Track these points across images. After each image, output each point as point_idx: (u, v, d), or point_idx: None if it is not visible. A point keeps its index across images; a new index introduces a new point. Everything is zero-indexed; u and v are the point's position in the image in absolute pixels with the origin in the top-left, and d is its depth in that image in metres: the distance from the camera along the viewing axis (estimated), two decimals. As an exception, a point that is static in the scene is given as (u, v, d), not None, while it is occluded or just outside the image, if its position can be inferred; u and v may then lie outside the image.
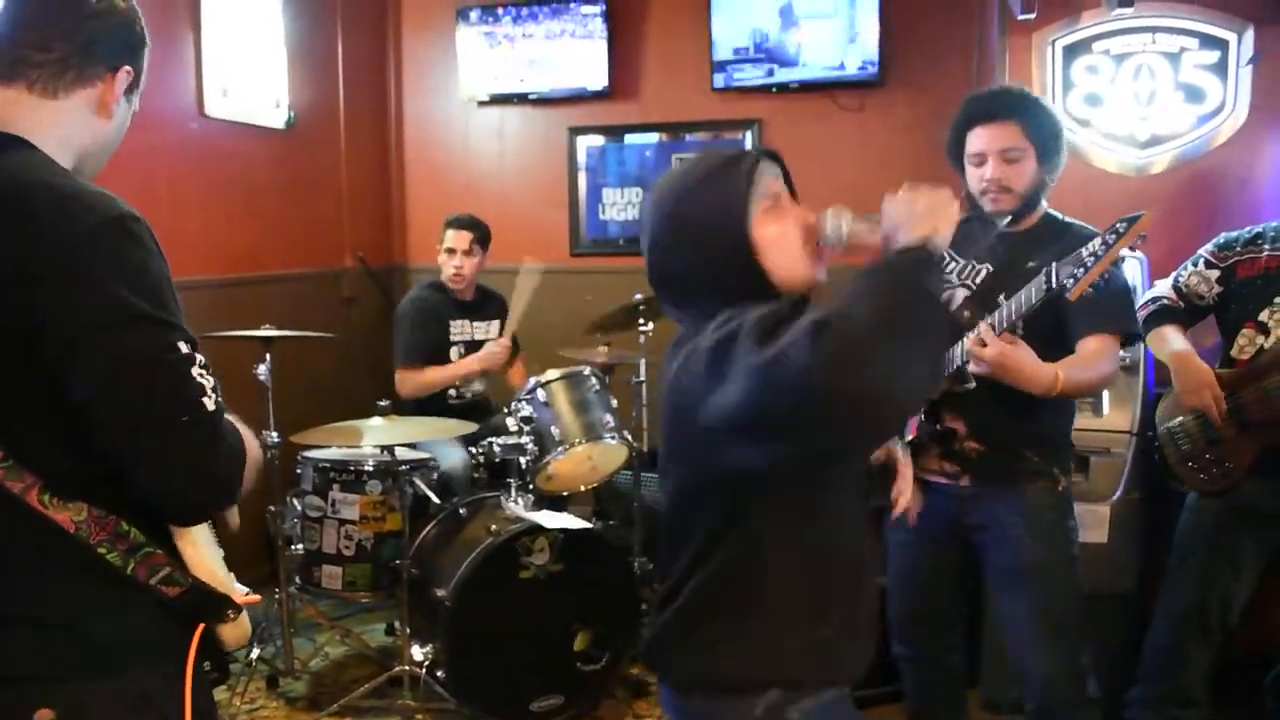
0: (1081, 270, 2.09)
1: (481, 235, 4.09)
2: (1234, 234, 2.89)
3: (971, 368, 2.29)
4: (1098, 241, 2.10)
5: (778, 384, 1.29)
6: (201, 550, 1.40)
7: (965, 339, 2.32)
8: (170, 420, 1.27)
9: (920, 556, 2.61)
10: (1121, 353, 3.14)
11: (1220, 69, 3.59)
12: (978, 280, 2.49)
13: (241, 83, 4.21)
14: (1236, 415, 2.72)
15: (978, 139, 2.45)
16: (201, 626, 1.38)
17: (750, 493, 1.54)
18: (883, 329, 1.29)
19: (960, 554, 2.60)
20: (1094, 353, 2.37)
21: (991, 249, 2.49)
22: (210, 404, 1.29)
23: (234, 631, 1.42)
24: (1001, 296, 2.36)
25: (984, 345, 2.24)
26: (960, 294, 2.50)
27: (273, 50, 4.41)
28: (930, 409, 2.47)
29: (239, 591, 1.44)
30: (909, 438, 2.53)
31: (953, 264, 2.55)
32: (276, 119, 4.44)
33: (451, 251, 4.06)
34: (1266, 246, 2.79)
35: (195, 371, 1.29)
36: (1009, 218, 2.48)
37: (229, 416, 1.36)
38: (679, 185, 1.63)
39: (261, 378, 3.31)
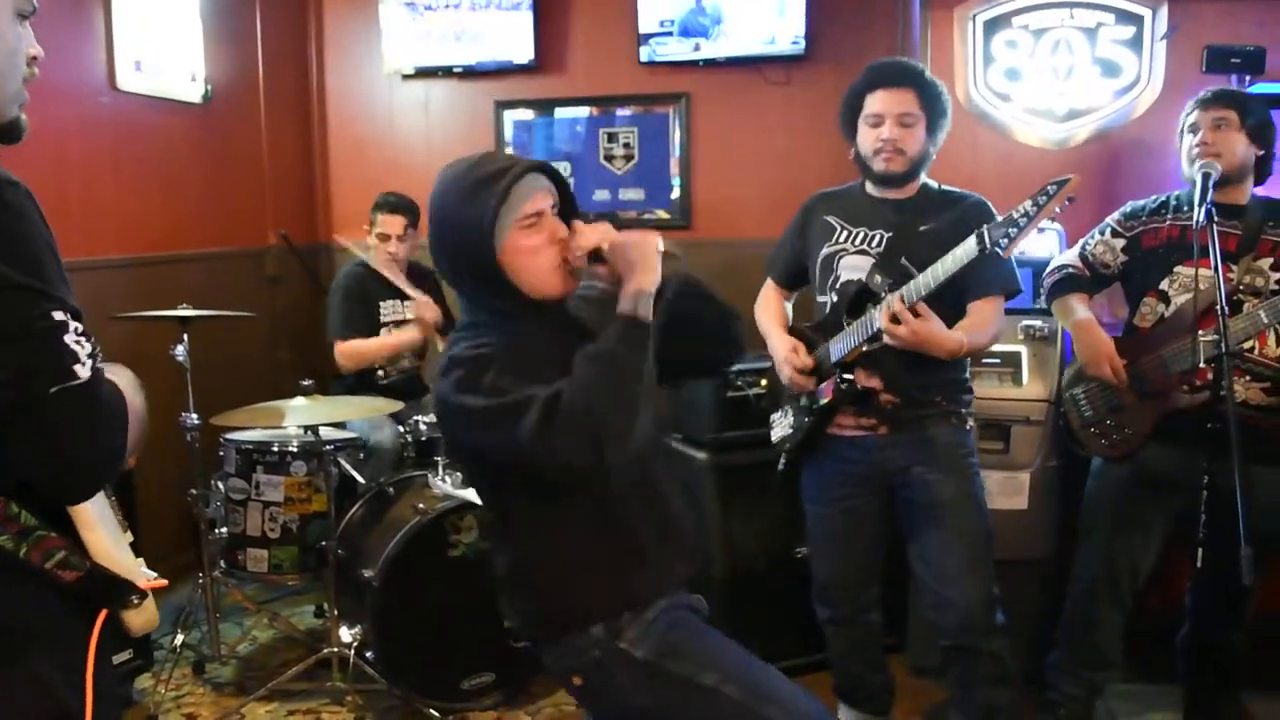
0: (1014, 229, 2.23)
1: (414, 217, 4.00)
2: (1140, 203, 2.94)
3: (888, 341, 2.43)
4: (1029, 203, 2.23)
5: (524, 455, 1.63)
6: (101, 535, 1.36)
7: (878, 309, 2.46)
8: (37, 392, 1.21)
9: (838, 518, 2.75)
10: (1039, 323, 3.24)
11: (1136, 44, 3.65)
12: (874, 246, 2.64)
13: (155, 55, 4.09)
14: (1136, 383, 2.78)
15: (877, 101, 2.60)
16: (104, 613, 1.35)
17: (512, 485, 1.80)
18: (601, 408, 1.61)
19: (877, 510, 2.73)
20: (987, 315, 2.59)
21: (881, 215, 2.66)
22: (84, 371, 1.24)
23: (139, 617, 1.40)
24: (904, 260, 2.53)
25: (896, 322, 2.38)
26: (863, 262, 2.63)
27: (187, 21, 4.29)
28: (844, 369, 2.60)
29: (144, 576, 1.41)
30: (824, 400, 2.61)
31: (845, 232, 2.69)
32: (193, 93, 4.33)
33: (385, 237, 3.98)
34: (1169, 216, 2.84)
35: (69, 339, 1.24)
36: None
37: (111, 377, 1.32)
38: (441, 195, 1.80)
39: (179, 358, 3.24)
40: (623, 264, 1.74)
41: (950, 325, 2.51)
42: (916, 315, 2.40)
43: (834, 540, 2.78)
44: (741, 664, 1.83)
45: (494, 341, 1.74)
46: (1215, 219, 2.61)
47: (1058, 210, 2.25)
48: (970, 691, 2.69)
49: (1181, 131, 2.84)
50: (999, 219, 2.28)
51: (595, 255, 1.79)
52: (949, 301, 2.51)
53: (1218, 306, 2.38)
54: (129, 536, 1.46)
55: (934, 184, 2.70)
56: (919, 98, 2.57)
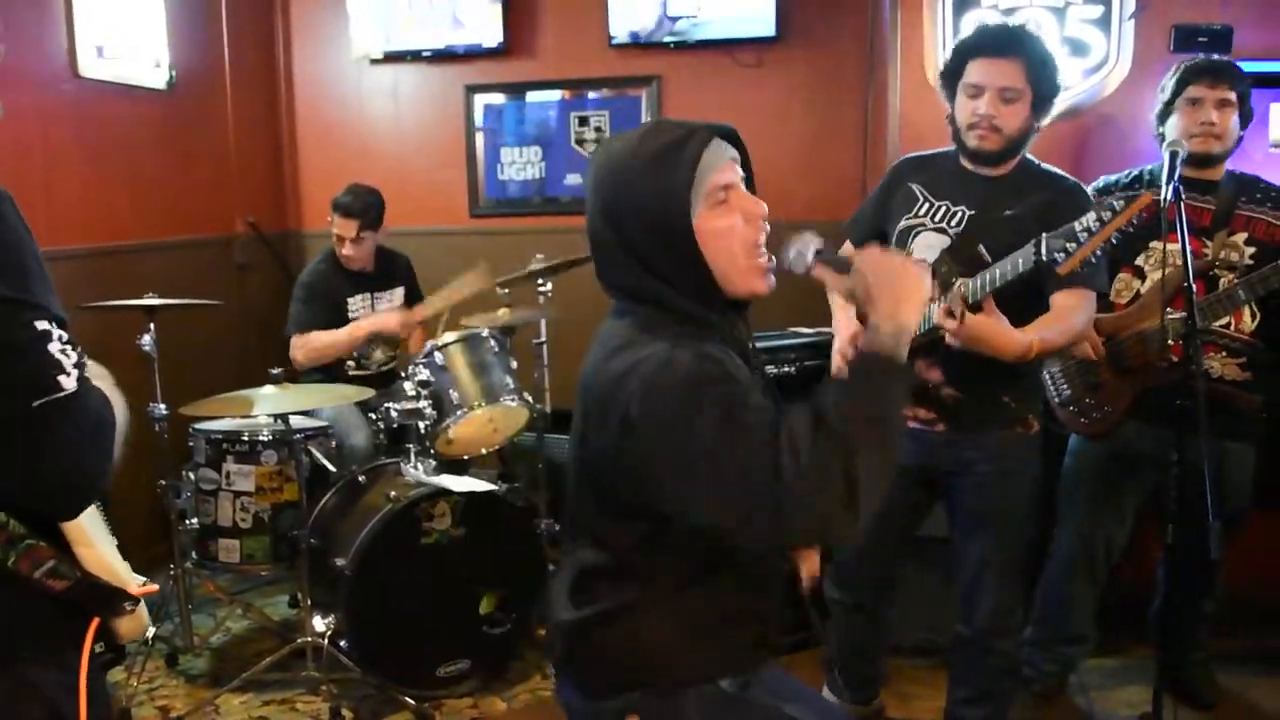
0: (1074, 245, 2.08)
1: (371, 219, 3.91)
2: (1113, 177, 2.95)
3: (947, 339, 2.27)
4: (1092, 217, 2.08)
5: (755, 516, 1.35)
6: (96, 546, 1.35)
7: (938, 303, 2.29)
8: (20, 407, 1.18)
9: (880, 506, 2.60)
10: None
11: (1104, 23, 3.65)
12: (954, 224, 2.45)
13: (118, 41, 4.02)
14: (1114, 360, 2.79)
15: (978, 70, 2.38)
16: (96, 620, 1.34)
17: (668, 536, 1.50)
18: (860, 459, 1.35)
19: (919, 503, 2.63)
20: (1070, 307, 2.35)
21: (968, 191, 2.46)
22: (70, 382, 1.21)
23: (130, 624, 1.39)
24: (980, 247, 2.34)
25: (952, 317, 2.20)
26: (939, 241, 2.45)
27: (150, 6, 4.22)
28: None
29: (135, 583, 1.40)
30: None
31: (927, 205, 2.50)
32: (157, 79, 4.26)
33: (340, 238, 3.92)
34: (1143, 190, 2.84)
35: (53, 349, 1.21)
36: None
37: (99, 383, 1.29)
38: (618, 170, 1.52)
39: (146, 348, 3.20)
40: (881, 291, 1.45)
41: (1032, 317, 2.32)
42: (979, 311, 2.22)
43: (866, 527, 2.64)
44: (820, 701, 1.72)
45: (709, 351, 1.44)
46: (1189, 195, 2.63)
47: (1129, 227, 2.08)
48: (972, 676, 2.65)
49: (1171, 99, 2.79)
50: (1062, 227, 2.11)
51: (835, 264, 1.54)
52: (1031, 292, 2.32)
53: (1185, 284, 2.39)
54: (114, 541, 1.44)
55: (1035, 161, 2.48)
56: (1026, 70, 2.33)
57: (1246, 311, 2.75)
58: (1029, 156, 2.49)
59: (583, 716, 1.68)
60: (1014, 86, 2.35)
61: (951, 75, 2.46)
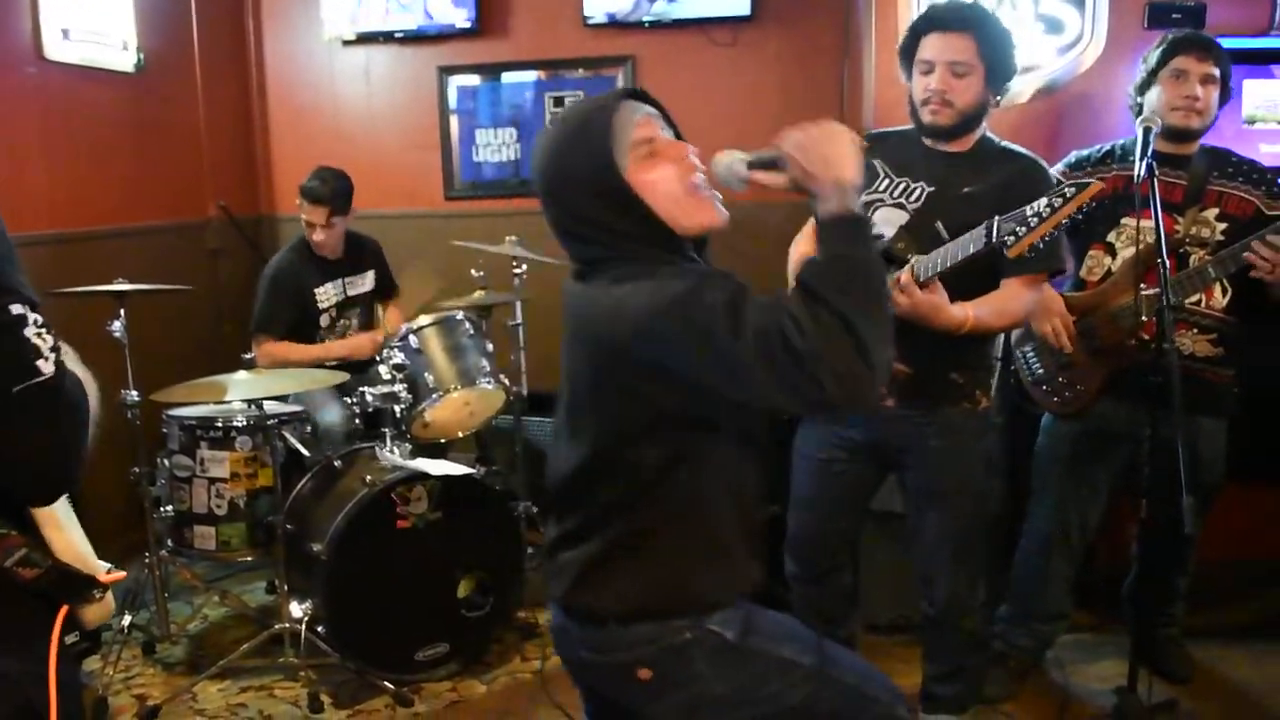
0: (1024, 229, 2.10)
1: (340, 204, 3.86)
2: (1085, 152, 2.94)
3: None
4: (1043, 202, 2.10)
5: (784, 378, 1.38)
6: (66, 533, 1.35)
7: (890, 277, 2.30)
8: (1, 392, 1.17)
9: (825, 478, 2.64)
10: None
11: (1078, 0, 3.65)
12: (913, 201, 2.46)
13: (84, 23, 3.95)
14: (1086, 339, 2.79)
15: (930, 46, 2.41)
16: (65, 609, 1.33)
17: (688, 444, 1.60)
18: (856, 312, 1.38)
19: (868, 477, 2.65)
20: (1012, 295, 2.39)
21: (928, 167, 2.47)
22: (48, 366, 1.20)
23: (96, 611, 1.39)
24: (938, 224, 2.36)
25: (902, 292, 2.24)
26: (897, 216, 2.47)
27: (117, -13, 4.16)
28: None
29: (102, 569, 1.40)
30: None
31: (888, 180, 2.52)
32: (125, 62, 4.20)
33: (310, 225, 3.88)
34: (1115, 165, 2.84)
35: (29, 334, 1.20)
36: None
37: (74, 367, 1.28)
38: (549, 155, 1.63)
39: (117, 334, 3.16)
40: (812, 163, 1.51)
41: (981, 294, 2.36)
42: (924, 289, 2.27)
43: (814, 497, 2.67)
44: (808, 634, 1.77)
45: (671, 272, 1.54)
46: (1161, 170, 2.62)
47: (1078, 215, 2.11)
48: (941, 653, 2.70)
49: (1153, 70, 2.77)
50: (1013, 211, 2.14)
51: (764, 164, 1.60)
52: (983, 270, 2.33)
53: (1158, 261, 2.40)
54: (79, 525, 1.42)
55: (995, 139, 2.50)
56: (977, 44, 2.35)
57: (1218, 288, 2.76)
58: (990, 135, 2.50)
59: (590, 670, 1.74)
60: (964, 60, 2.36)
61: (907, 53, 2.48)
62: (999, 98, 2.46)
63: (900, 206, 2.47)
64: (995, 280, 2.39)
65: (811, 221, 2.67)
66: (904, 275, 2.27)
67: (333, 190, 3.84)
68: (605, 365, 1.59)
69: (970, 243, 2.20)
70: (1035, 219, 2.10)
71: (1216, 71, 2.72)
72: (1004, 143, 2.50)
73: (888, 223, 2.46)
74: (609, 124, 1.58)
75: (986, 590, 2.95)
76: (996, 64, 2.38)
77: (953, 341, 2.34)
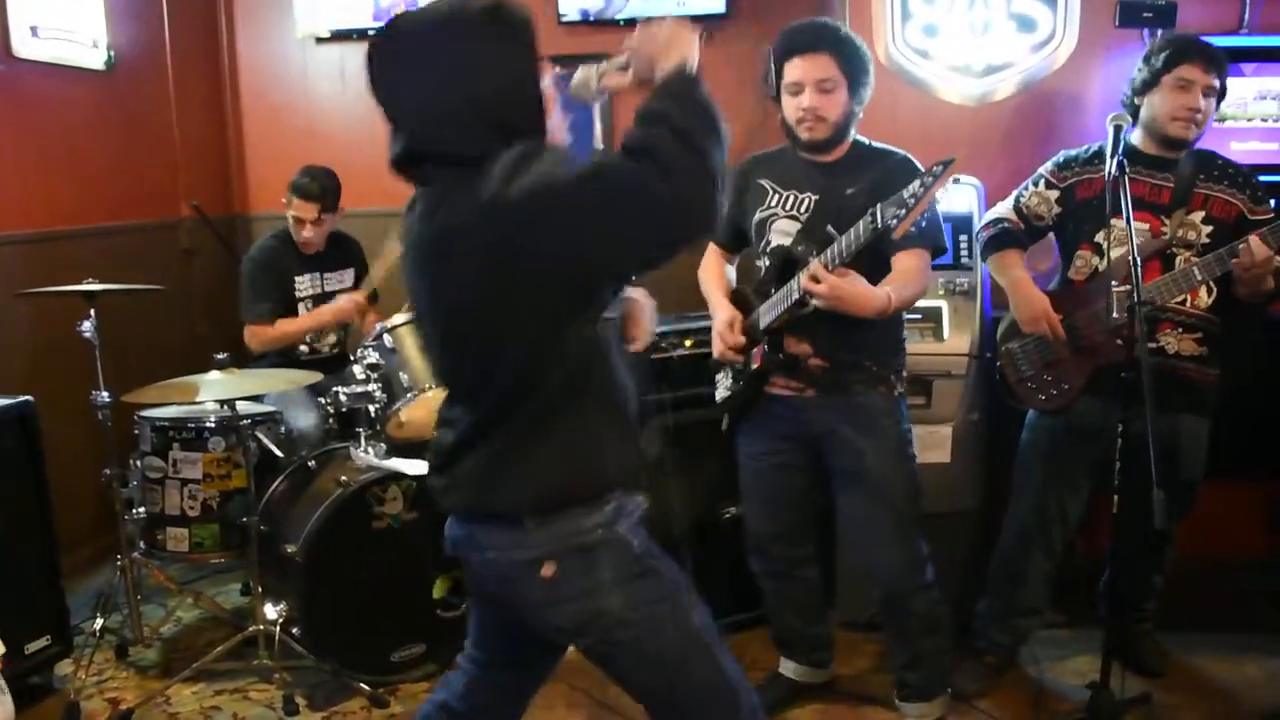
0: (904, 211, 2.26)
1: (330, 201, 3.85)
2: (1074, 152, 2.95)
3: (814, 302, 2.43)
4: (916, 184, 2.25)
5: (653, 204, 1.50)
6: None
7: (801, 274, 2.45)
8: None
9: (770, 472, 2.77)
10: (960, 278, 3.26)
11: (1050, -1, 3.67)
12: (803, 210, 2.62)
13: (53, 20, 3.91)
14: (1072, 337, 2.81)
15: (795, 69, 2.56)
16: None
17: (561, 329, 1.63)
18: (698, 142, 1.50)
19: (807, 465, 2.75)
20: (911, 268, 2.56)
21: (810, 178, 2.64)
22: None
23: None
24: (829, 227, 2.51)
25: (817, 282, 2.38)
26: (792, 227, 2.63)
27: (87, -15, 4.12)
28: (773, 336, 2.60)
29: None
30: (755, 366, 2.61)
31: (777, 196, 2.68)
32: (95, 59, 4.16)
33: (299, 221, 3.85)
34: (1102, 166, 2.85)
35: None
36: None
37: None
38: (448, 39, 1.61)
39: (87, 335, 3.13)
40: (655, 50, 1.61)
41: (878, 278, 2.50)
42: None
43: (764, 494, 2.80)
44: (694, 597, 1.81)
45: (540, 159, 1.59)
46: (1149, 173, 2.64)
47: (946, 189, 2.33)
48: (901, 639, 2.78)
49: (1156, 72, 2.75)
50: (892, 196, 2.29)
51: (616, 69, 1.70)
52: (874, 259, 2.51)
53: (1129, 259, 2.41)
54: None
55: (865, 141, 2.68)
56: (837, 61, 2.52)
57: (1203, 289, 2.77)
58: (859, 138, 2.67)
59: (492, 570, 1.76)
60: (829, 77, 2.53)
61: (775, 78, 2.63)
62: (860, 107, 2.61)
63: (793, 218, 2.64)
64: (883, 269, 2.54)
65: (711, 245, 2.90)
66: (815, 265, 2.41)
67: (323, 188, 3.82)
68: (493, 267, 1.58)
69: (861, 229, 2.35)
70: (912, 199, 2.25)
71: (1218, 84, 2.74)
72: (875, 144, 2.68)
73: (784, 233, 2.64)
74: (530, 21, 1.64)
75: (959, 583, 2.98)
76: (856, 77, 2.55)
77: (864, 331, 2.51)
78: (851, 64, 2.54)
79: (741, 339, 2.68)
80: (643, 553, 1.75)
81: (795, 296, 2.48)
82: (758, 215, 2.71)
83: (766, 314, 2.62)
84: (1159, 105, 2.76)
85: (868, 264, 2.47)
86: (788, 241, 2.61)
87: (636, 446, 1.79)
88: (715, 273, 2.88)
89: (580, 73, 1.71)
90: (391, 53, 1.64)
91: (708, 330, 2.85)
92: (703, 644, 1.77)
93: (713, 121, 1.55)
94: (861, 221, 2.35)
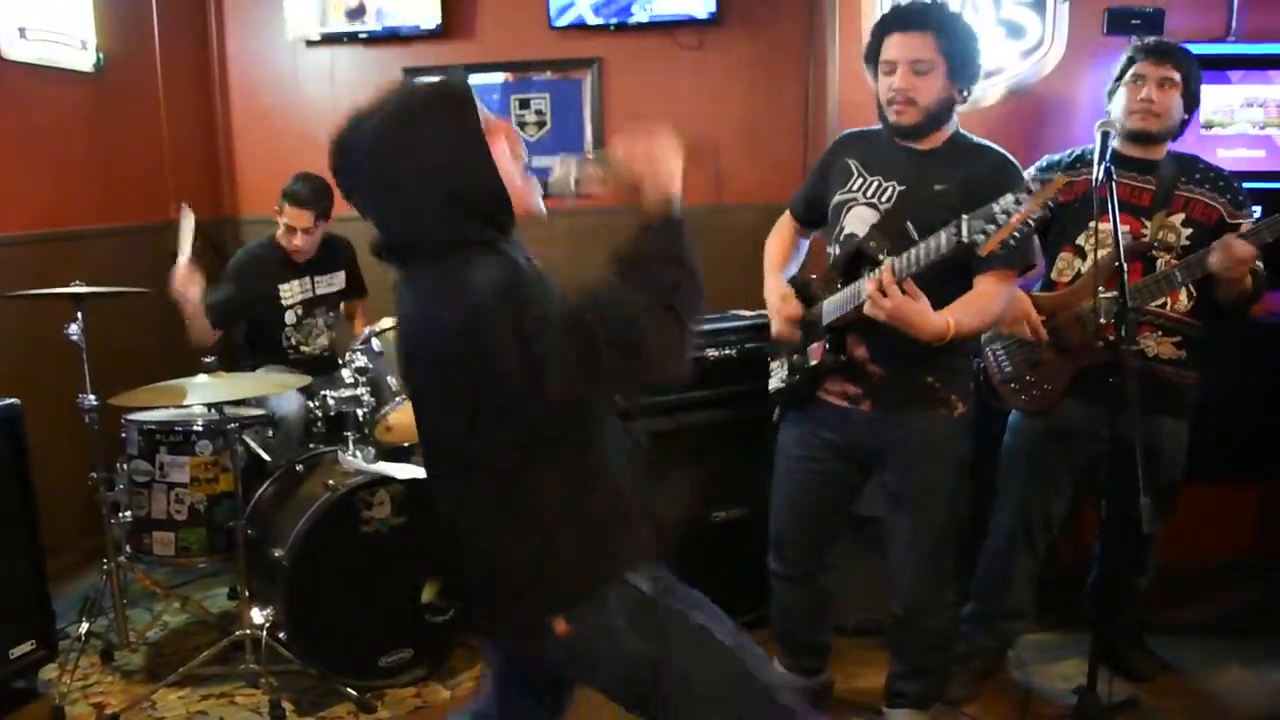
0: (993, 226, 2.10)
1: (324, 208, 3.83)
2: (1055, 156, 2.97)
3: (868, 309, 2.29)
4: (1010, 199, 2.10)
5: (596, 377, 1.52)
6: None
7: (867, 278, 2.32)
8: None
9: (809, 477, 2.67)
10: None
11: (1039, 6, 3.68)
12: (884, 200, 2.48)
13: (41, 22, 3.90)
14: (1054, 339, 2.82)
15: (891, 46, 2.43)
16: None
17: (542, 439, 1.62)
18: (680, 307, 1.52)
19: (849, 477, 2.67)
20: (987, 293, 2.39)
21: (899, 166, 2.49)
22: None
23: None
24: (908, 223, 2.38)
25: (883, 294, 2.24)
26: (870, 215, 2.49)
27: (76, -14, 4.11)
28: (835, 334, 2.50)
29: None
30: (812, 362, 2.56)
31: (861, 179, 2.54)
32: (84, 61, 4.15)
33: (291, 229, 3.84)
34: (1084, 171, 2.86)
35: None
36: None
37: None
38: (395, 129, 1.59)
39: (74, 338, 3.12)
40: (639, 165, 1.60)
41: (955, 294, 2.36)
42: (904, 292, 2.26)
43: (797, 497, 2.71)
44: (718, 611, 1.79)
45: (507, 259, 1.59)
46: (1130, 175, 2.65)
47: (1047, 208, 2.14)
48: (907, 652, 2.72)
49: (1118, 76, 2.84)
50: (981, 209, 2.13)
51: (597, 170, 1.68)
52: (954, 274, 2.35)
53: (1116, 263, 2.42)
54: None
55: (967, 136, 2.51)
56: (936, 41, 2.37)
57: (1183, 292, 2.79)
58: (961, 131, 2.51)
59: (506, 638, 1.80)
60: (925, 58, 2.38)
61: (872, 55, 2.50)
62: (965, 93, 2.46)
63: (873, 206, 2.50)
64: (962, 283, 2.39)
65: (787, 215, 2.74)
66: (885, 274, 2.26)
67: (317, 194, 3.80)
68: (468, 386, 1.58)
69: (942, 241, 2.20)
70: (1004, 215, 2.10)
71: (1176, 75, 2.76)
72: (976, 139, 2.51)
73: (861, 221, 2.49)
74: (471, 94, 1.61)
75: (955, 592, 2.98)
76: (958, 60, 2.40)
77: (929, 345, 2.32)
78: (954, 46, 2.38)
79: (798, 308, 2.57)
80: (658, 594, 1.71)
81: (861, 299, 2.32)
82: (837, 197, 2.57)
83: (830, 311, 2.50)
84: (1119, 104, 2.82)
85: (947, 273, 2.31)
86: (862, 232, 2.45)
87: (643, 534, 1.76)
88: (780, 246, 2.75)
89: (559, 169, 1.68)
90: (351, 148, 1.62)
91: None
92: (743, 675, 1.73)
93: (694, 280, 1.56)
94: (944, 232, 2.18)
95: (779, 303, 2.61)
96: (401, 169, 1.58)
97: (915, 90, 2.40)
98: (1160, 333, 2.81)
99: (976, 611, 3.12)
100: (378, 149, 1.59)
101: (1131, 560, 3.03)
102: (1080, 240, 2.86)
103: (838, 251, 2.55)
